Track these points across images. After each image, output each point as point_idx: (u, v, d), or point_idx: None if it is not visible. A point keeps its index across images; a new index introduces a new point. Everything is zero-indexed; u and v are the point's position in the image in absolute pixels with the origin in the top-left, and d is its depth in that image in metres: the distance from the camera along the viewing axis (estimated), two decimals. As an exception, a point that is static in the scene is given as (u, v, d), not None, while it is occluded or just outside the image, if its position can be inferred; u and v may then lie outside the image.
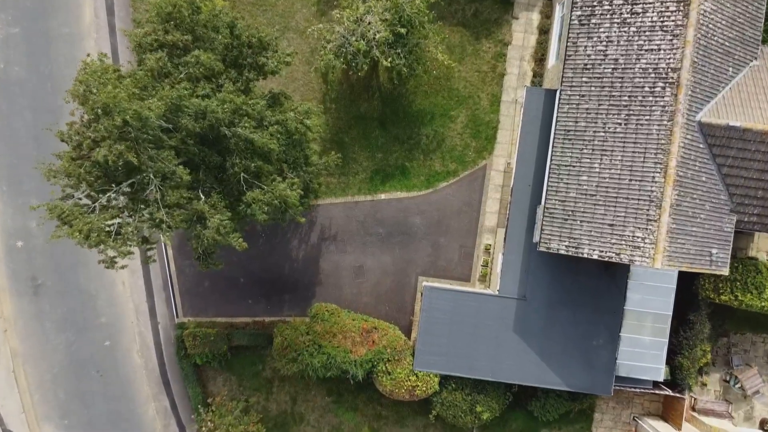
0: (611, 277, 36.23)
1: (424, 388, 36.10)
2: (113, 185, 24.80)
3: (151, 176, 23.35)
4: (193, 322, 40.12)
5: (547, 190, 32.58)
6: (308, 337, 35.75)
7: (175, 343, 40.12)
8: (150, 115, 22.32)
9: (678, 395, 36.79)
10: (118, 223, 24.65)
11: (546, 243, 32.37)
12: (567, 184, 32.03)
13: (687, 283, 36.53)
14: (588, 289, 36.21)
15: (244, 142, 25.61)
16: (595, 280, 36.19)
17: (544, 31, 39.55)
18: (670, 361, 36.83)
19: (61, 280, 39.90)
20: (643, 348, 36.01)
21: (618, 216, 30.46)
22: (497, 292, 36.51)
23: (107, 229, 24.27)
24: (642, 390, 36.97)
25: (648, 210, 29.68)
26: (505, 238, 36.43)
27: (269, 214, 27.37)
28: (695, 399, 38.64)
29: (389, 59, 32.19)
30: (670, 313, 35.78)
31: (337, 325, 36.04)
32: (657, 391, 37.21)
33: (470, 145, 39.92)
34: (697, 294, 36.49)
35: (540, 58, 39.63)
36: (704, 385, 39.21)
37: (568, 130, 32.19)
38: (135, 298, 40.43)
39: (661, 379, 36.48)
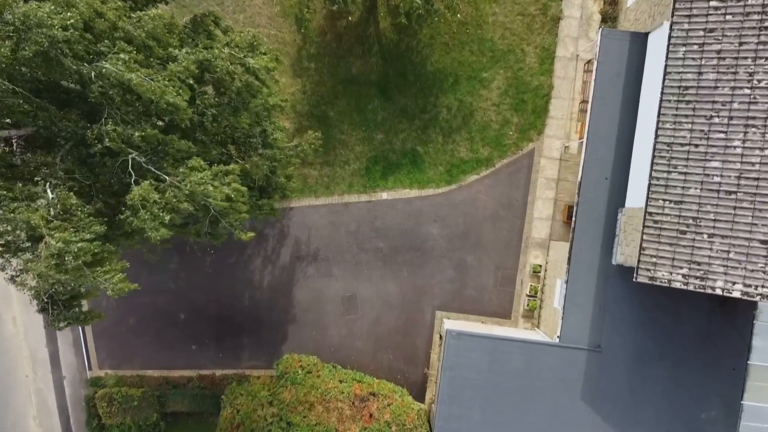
0: (728, 318, 23.91)
1: (448, 487, 23.79)
2: None
3: None
4: (113, 377, 27.86)
5: (650, 186, 20.22)
6: (271, 409, 23.46)
7: (86, 408, 27.85)
8: None
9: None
10: None
11: (648, 270, 20.02)
12: (684, 174, 19.69)
13: None
14: (693, 336, 23.94)
15: (119, 89, 13.35)
16: (704, 322, 23.91)
17: (618, -46, 27.17)
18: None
19: None
20: (781, 426, 23.73)
21: (778, 227, 18.21)
22: (557, 340, 24.20)
23: None
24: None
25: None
26: (568, 259, 24.08)
27: (178, 228, 15.15)
28: None
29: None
30: (825, 374, 23.46)
31: (317, 390, 23.72)
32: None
33: (510, 122, 27.59)
34: None
35: (612, -7, 27.29)
36: None
37: (686, 88, 19.84)
38: (31, 341, 28.18)
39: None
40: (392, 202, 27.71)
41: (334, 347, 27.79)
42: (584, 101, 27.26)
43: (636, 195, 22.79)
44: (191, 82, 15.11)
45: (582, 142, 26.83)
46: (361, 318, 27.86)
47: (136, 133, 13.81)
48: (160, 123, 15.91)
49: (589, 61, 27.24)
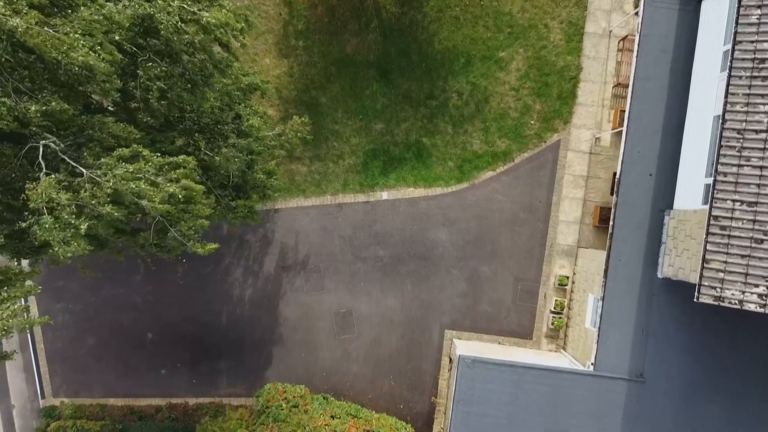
0: (797, 341, 20.00)
1: None
2: None
3: None
4: (69, 407, 23.95)
5: (715, 183, 16.20)
6: (249, 451, 19.52)
7: (37, 443, 23.96)
8: None
9: None
10: None
11: (714, 288, 16.03)
12: (760, 169, 15.72)
13: None
14: (754, 367, 20.02)
15: (5, 43, 9.42)
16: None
17: None
18: None
19: None
20: None
21: None
22: (590, 367, 20.27)
23: None
24: None
25: None
26: (605, 271, 20.11)
27: (117, 237, 11.28)
28: None
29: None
30: None
31: (304, 430, 19.76)
32: None
33: (532, 109, 23.61)
34: None
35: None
36: None
37: (762, 61, 15.84)
38: (-25, 364, 24.24)
39: None
40: (394, 203, 23.75)
41: (326, 372, 23.84)
42: (619, 84, 23.27)
43: (688, 194, 18.83)
44: (125, 43, 11.16)
45: (616, 132, 22.87)
46: (357, 338, 23.91)
47: (33, 107, 9.86)
48: (94, 98, 12.02)
49: (624, 38, 23.24)
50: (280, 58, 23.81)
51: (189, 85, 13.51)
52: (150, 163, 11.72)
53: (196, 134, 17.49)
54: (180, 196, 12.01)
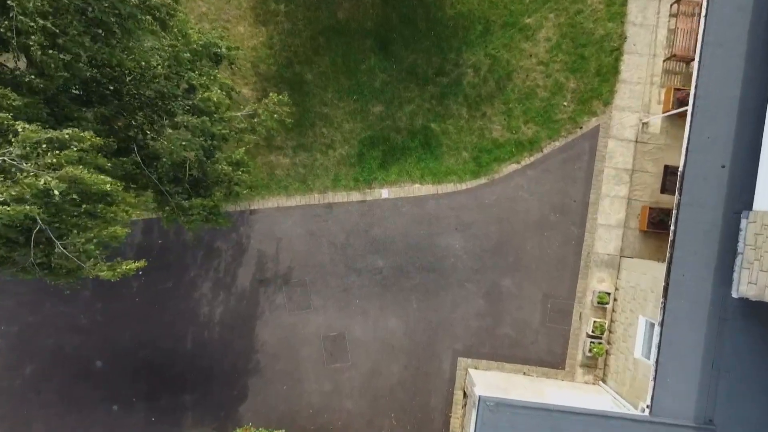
0: None
1: None
2: None
3: None
4: (1, 451, 19.65)
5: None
6: None
7: (-41, 495, 19.64)
8: None
9: None
10: None
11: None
12: None
13: None
14: None
15: None
16: None
17: None
18: None
19: None
20: None
21: None
22: (646, 411, 16.02)
23: None
24: None
25: None
26: (664, 289, 15.82)
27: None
28: None
29: None
30: None
31: (280, 491, 15.44)
32: None
33: (564, 88, 19.32)
34: None
35: None
36: None
37: None
38: None
39: None
40: (396, 203, 19.46)
41: (312, 409, 19.55)
42: (672, 57, 18.95)
43: (776, 192, 14.59)
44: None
45: (667, 115, 18.58)
46: (351, 367, 19.61)
47: None
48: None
49: (678, 0, 18.96)
50: (256, 25, 19.50)
51: (100, 31, 9.26)
52: (20, 142, 7.50)
53: (138, 112, 13.25)
54: (56, 192, 7.79)
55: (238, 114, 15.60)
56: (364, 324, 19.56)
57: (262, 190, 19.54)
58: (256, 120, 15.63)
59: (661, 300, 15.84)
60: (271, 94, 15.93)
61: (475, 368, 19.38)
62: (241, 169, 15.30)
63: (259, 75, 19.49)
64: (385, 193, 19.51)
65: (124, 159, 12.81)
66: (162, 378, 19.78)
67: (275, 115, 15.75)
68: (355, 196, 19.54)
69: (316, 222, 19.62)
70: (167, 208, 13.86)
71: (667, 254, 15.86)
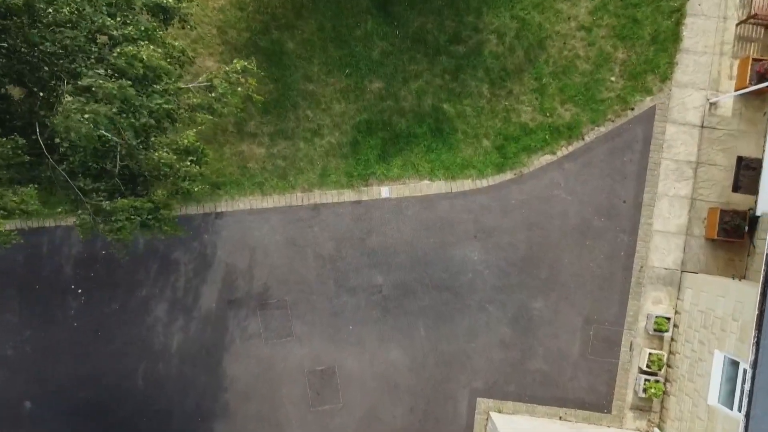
0: None
1: None
2: None
3: None
4: None
5: None
6: None
7: None
8: None
9: None
10: None
11: None
12: None
13: None
14: None
15: None
16: None
17: None
18: None
19: None
20: None
21: None
22: (731, 481, 12.00)
23: None
24: None
25: None
26: (758, 319, 11.82)
27: None
28: None
29: None
30: None
31: None
32: None
33: (612, 58, 15.33)
34: None
35: None
36: None
37: None
38: None
39: None
40: (399, 205, 15.50)
41: (295, 463, 15.61)
42: (750, 18, 14.99)
43: None
44: None
45: (742, 93, 14.61)
46: (343, 410, 15.65)
47: None
48: None
49: (758, -54, 14.96)
50: (224, -19, 15.53)
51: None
52: None
53: (44, 68, 9.32)
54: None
55: (190, 87, 11.65)
56: (360, 356, 15.59)
57: (230, 188, 15.58)
58: (213, 95, 11.67)
59: (753, 334, 11.87)
60: (235, 60, 11.95)
61: (499, 411, 15.41)
62: (191, 158, 11.32)
63: (227, 44, 15.51)
64: (385, 191, 15.55)
65: (12, 140, 8.85)
66: (107, 424, 15.80)
67: (239, 89, 11.78)
68: (348, 196, 15.57)
69: (300, 228, 15.64)
70: (80, 212, 9.90)
71: (762, 273, 11.88)
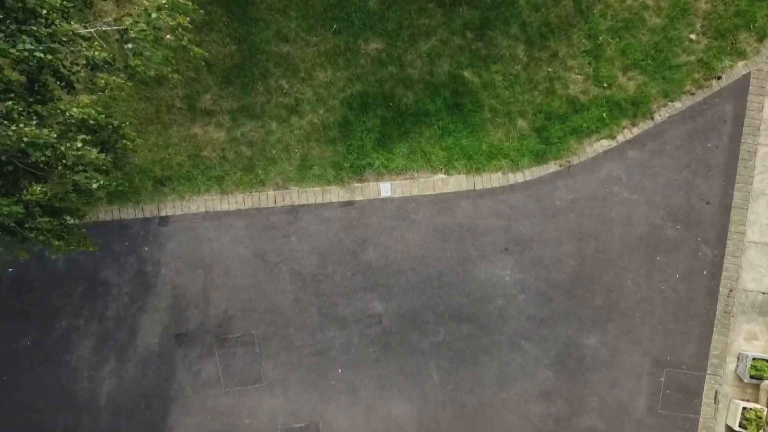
0: None
1: None
2: None
3: None
4: None
5: None
6: None
7: None
8: None
9: None
10: None
11: None
12: None
13: None
14: None
15: None
16: None
17: None
18: None
19: None
20: None
21: None
22: None
23: None
24: None
25: None
26: None
27: None
28: None
29: None
30: None
31: None
32: None
33: (690, 10, 11.31)
34: None
35: None
36: None
37: None
38: None
39: None
40: (404, 206, 11.56)
41: None
42: None
43: None
44: None
45: None
46: (330, 480, 11.70)
47: None
48: None
49: None
50: None
51: None
52: None
53: None
54: None
55: (91, 30, 7.69)
56: (351, 409, 11.65)
57: (179, 184, 11.64)
58: (130, 46, 7.70)
59: None
60: (168, -3, 7.96)
61: (539, 485, 11.49)
62: (89, 138, 7.34)
63: (173, -10, 11.51)
64: (386, 189, 11.61)
65: None
66: (14, 498, 11.88)
67: (168, 37, 7.81)
68: (337, 195, 11.64)
69: (272, 238, 11.70)
70: None
71: None
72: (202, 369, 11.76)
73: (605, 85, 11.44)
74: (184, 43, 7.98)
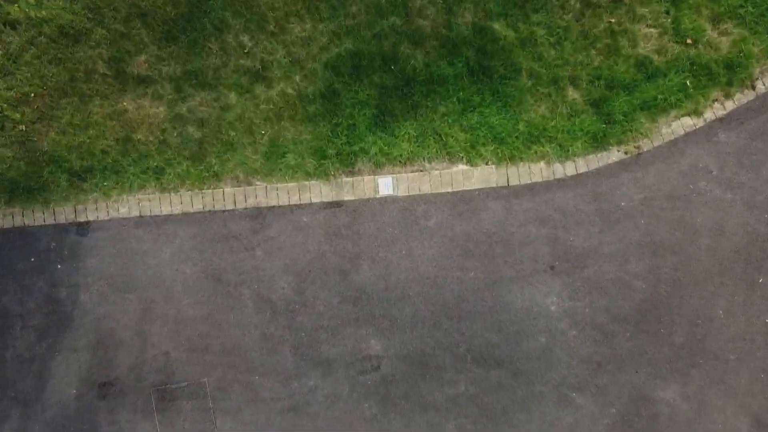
0: None
1: None
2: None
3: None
4: None
5: None
6: None
7: None
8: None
9: None
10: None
11: None
12: None
13: None
14: None
15: None
16: None
17: None
18: None
19: None
20: None
21: None
22: None
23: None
24: None
25: None
26: None
27: None
28: None
29: None
30: None
31: None
32: None
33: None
34: None
35: None
36: None
37: None
38: None
39: None
40: (411, 208, 8.49)
41: None
42: None
43: None
44: None
45: None
46: None
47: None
48: None
49: None
50: None
51: None
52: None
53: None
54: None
55: None
56: (339, 486, 8.57)
57: (103, 179, 8.57)
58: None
59: None
60: None
61: None
62: None
63: None
64: (386, 184, 8.53)
65: None
66: None
67: None
68: (318, 193, 8.55)
69: (230, 251, 8.61)
70: None
71: None
72: (137, 427, 8.67)
73: (688, 42, 8.35)
74: None
